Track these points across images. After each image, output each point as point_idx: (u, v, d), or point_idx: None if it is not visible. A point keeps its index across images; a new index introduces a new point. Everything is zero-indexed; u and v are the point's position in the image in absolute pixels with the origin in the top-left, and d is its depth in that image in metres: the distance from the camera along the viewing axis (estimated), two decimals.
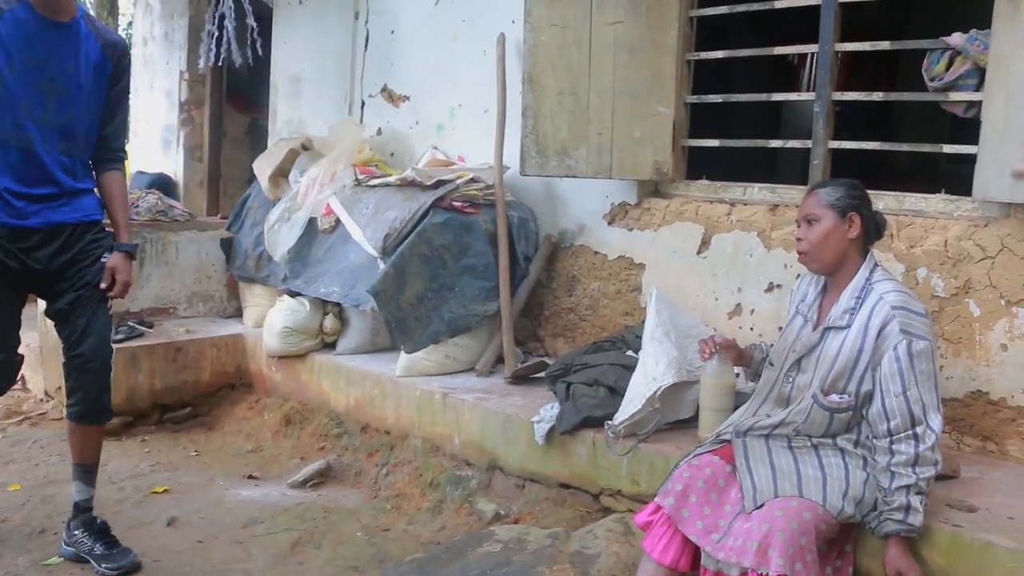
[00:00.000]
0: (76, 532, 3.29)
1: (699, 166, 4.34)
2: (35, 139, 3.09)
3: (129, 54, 3.37)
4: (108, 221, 3.38)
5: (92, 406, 3.27)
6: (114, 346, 4.81)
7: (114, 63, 3.25)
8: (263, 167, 5.34)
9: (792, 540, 2.39)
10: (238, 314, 5.71)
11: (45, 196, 3.15)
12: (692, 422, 3.40)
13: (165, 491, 4.02)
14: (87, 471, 3.36)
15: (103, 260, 3.26)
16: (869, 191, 2.80)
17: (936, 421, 2.51)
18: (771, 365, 2.88)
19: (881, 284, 2.63)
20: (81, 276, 3.22)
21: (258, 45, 5.97)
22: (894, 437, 2.51)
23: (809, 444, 2.68)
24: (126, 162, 3.55)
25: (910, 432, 2.49)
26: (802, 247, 2.74)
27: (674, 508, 2.62)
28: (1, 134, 3.04)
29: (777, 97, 4.08)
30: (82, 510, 3.33)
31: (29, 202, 3.12)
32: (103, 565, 3.20)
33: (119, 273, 3.28)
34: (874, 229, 2.76)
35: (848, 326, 2.64)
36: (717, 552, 2.52)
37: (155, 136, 7.36)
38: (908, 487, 2.47)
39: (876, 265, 2.72)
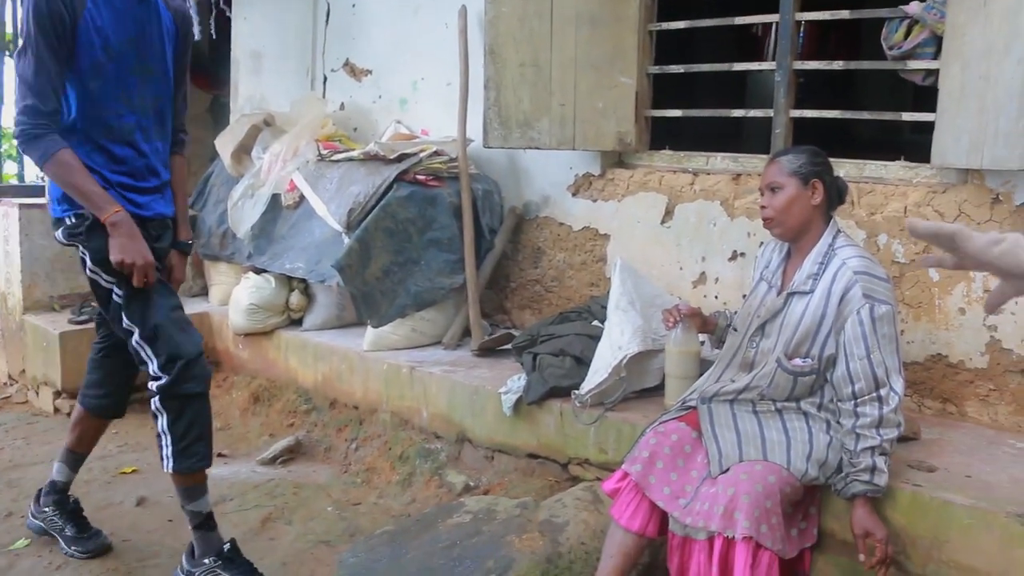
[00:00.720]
0: (47, 509, 3.25)
1: (665, 137, 4.35)
2: (135, 130, 2.86)
3: (193, 21, 3.11)
4: None
5: (120, 404, 3.20)
6: (77, 327, 4.81)
7: (183, 33, 3.02)
8: (225, 144, 5.29)
9: (757, 503, 2.43)
10: (204, 292, 5.68)
11: (151, 188, 2.94)
12: (658, 390, 3.44)
13: (134, 471, 4.01)
14: (77, 459, 3.30)
15: None
16: (831, 160, 2.83)
17: (898, 384, 2.55)
18: (735, 331, 2.92)
19: (844, 250, 2.67)
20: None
21: (221, 18, 5.89)
22: (858, 400, 2.56)
23: (773, 408, 2.72)
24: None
25: (874, 395, 2.54)
26: (766, 214, 2.78)
27: (641, 475, 2.65)
28: (97, 131, 2.78)
29: (739, 67, 4.09)
30: (58, 490, 3.27)
31: (139, 194, 2.90)
32: (73, 547, 3.18)
33: (176, 272, 3.14)
34: (836, 195, 2.80)
35: (811, 291, 2.67)
36: (684, 517, 2.56)
37: None
38: (873, 448, 2.52)
39: (839, 231, 2.76)
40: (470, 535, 2.93)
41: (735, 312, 3.09)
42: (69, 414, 4.70)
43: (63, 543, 3.20)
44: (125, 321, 2.83)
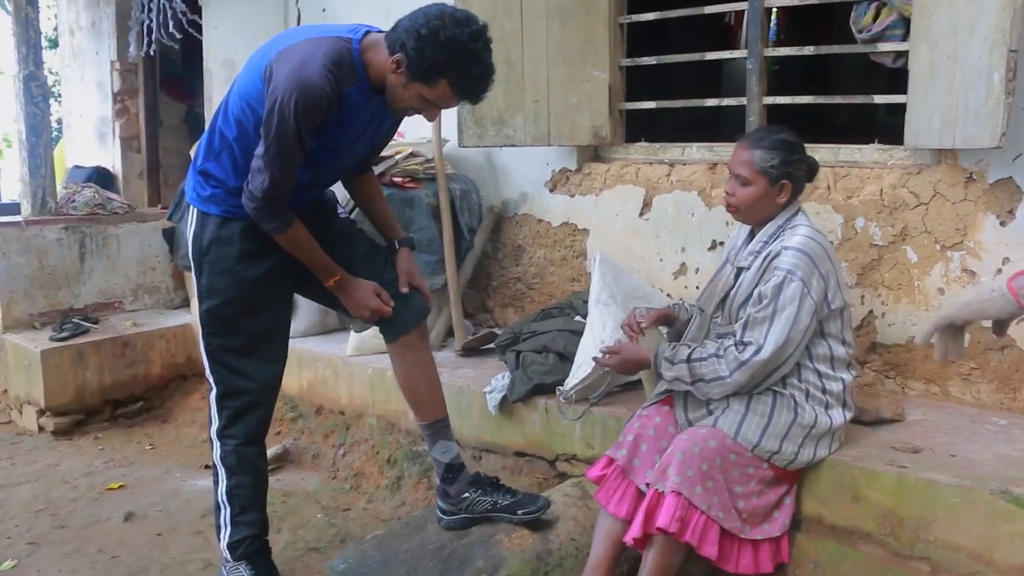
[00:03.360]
0: (467, 495, 2.92)
1: (641, 129, 4.35)
2: (312, 188, 2.87)
3: None
4: None
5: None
6: (58, 344, 4.78)
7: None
8: None
9: (690, 462, 2.51)
10: (185, 304, 5.66)
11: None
12: (642, 383, 3.43)
13: (121, 487, 3.99)
14: (441, 426, 2.99)
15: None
16: (807, 145, 2.81)
17: (766, 350, 2.57)
18: (701, 311, 2.94)
19: (797, 229, 2.70)
20: None
21: (187, 27, 5.87)
22: (729, 345, 2.64)
23: None
24: None
25: (740, 341, 2.63)
26: (731, 201, 2.79)
27: (626, 459, 2.74)
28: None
29: (710, 56, 4.09)
30: (458, 469, 2.95)
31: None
32: (519, 512, 2.89)
33: (410, 270, 3.10)
34: (806, 181, 2.81)
35: (750, 267, 2.73)
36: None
37: (89, 129, 7.19)
38: (707, 360, 2.63)
39: (798, 212, 2.77)
40: (460, 536, 2.91)
41: (690, 304, 3.08)
42: (54, 432, 4.69)
43: (506, 515, 2.88)
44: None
